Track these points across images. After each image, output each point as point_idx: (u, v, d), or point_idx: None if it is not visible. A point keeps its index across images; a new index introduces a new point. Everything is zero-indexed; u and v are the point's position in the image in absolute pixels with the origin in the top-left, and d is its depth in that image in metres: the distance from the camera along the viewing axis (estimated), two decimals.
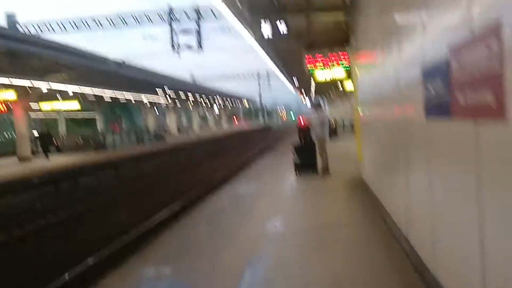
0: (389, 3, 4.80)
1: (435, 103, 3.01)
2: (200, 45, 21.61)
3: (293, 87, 44.03)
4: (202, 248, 5.62)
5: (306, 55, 12.79)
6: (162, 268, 5.01)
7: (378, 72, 5.80)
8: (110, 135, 28.72)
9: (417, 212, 4.01)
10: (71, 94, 26.25)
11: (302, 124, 11.52)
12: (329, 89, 44.24)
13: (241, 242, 5.78)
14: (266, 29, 11.29)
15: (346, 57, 12.55)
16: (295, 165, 11.14)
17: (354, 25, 8.53)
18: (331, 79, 15.99)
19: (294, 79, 33.33)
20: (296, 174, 11.13)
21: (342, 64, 12.71)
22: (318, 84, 36.24)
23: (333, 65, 12.86)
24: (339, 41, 12.95)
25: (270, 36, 11.41)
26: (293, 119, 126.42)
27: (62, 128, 43.79)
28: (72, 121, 61.17)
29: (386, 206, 5.87)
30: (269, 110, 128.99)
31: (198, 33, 21.39)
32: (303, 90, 52.15)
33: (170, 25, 21.47)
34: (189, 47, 21.68)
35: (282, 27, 11.43)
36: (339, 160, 12.18)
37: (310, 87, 41.60)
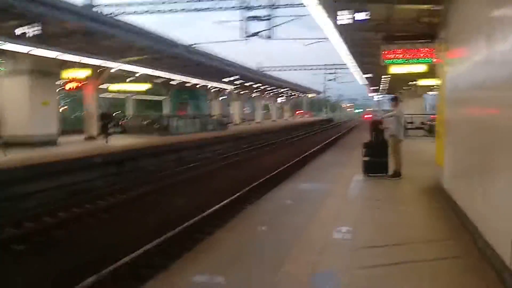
0: None
1: None
2: (270, 33, 21.10)
3: (363, 81, 42.61)
4: None
5: (383, 49, 11.92)
6: None
7: (484, 67, 4.97)
8: (174, 119, 28.91)
9: None
10: (138, 76, 26.70)
11: (374, 119, 10.70)
12: (400, 86, 42.42)
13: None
14: (346, 17, 10.57)
15: (428, 53, 11.55)
16: (364, 163, 10.38)
17: (447, 17, 7.60)
18: (408, 73, 15.00)
19: (365, 73, 32.13)
20: (364, 173, 10.39)
21: (423, 60, 11.71)
22: (391, 79, 34.79)
23: (412, 60, 11.89)
24: (422, 35, 11.94)
25: (350, 21, 10.68)
26: (358, 113, 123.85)
27: (129, 110, 45.01)
28: (140, 103, 63.19)
29: (480, 226, 5.02)
30: (334, 103, 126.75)
31: (269, 20, 20.87)
32: (372, 85, 50.51)
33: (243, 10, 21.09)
34: (259, 35, 21.21)
35: (362, 15, 10.64)
36: (412, 162, 11.28)
37: (380, 82, 40.03)
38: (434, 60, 11.37)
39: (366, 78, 37.97)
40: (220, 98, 52.30)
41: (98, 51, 20.24)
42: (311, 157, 18.45)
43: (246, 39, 21.46)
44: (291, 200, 7.88)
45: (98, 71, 22.49)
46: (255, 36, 21.40)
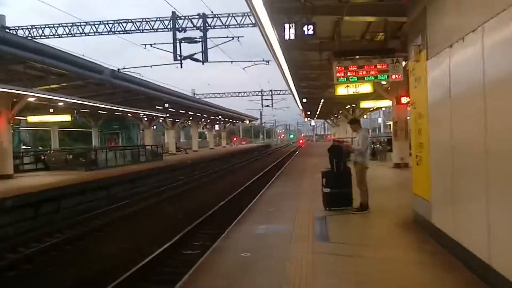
0: None
1: None
2: (205, 56, 19.56)
3: (300, 106, 42.12)
4: None
5: (336, 65, 10.73)
6: None
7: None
8: (103, 152, 26.36)
9: None
10: (62, 106, 24.13)
11: (333, 143, 9.34)
12: (337, 109, 42.38)
13: None
14: (291, 31, 9.21)
15: (383, 69, 10.53)
16: (325, 195, 8.93)
17: (425, 22, 6.37)
18: (355, 94, 14.01)
19: (303, 97, 31.47)
20: (326, 207, 8.94)
21: (380, 76, 10.64)
22: (326, 103, 34.40)
23: (368, 78, 10.79)
24: (376, 50, 10.95)
25: (292, 37, 9.30)
26: (292, 138, 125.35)
27: (55, 143, 41.23)
28: (68, 135, 59.10)
29: None
30: (269, 129, 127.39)
31: (204, 42, 19.38)
32: (308, 110, 50.39)
33: (174, 33, 19.46)
34: (192, 58, 19.62)
35: (308, 29, 9.31)
36: (372, 190, 9.96)
37: (318, 106, 39.68)
38: (395, 75, 10.37)
39: (303, 103, 37.43)
40: (153, 127, 50.05)
41: (9, 77, 17.78)
42: (257, 187, 16.91)
43: (179, 63, 19.73)
44: (248, 252, 6.16)
45: (12, 100, 19.79)
46: (189, 60, 19.74)
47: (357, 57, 10.77)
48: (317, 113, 50.57)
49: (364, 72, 10.57)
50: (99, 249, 10.01)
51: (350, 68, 10.50)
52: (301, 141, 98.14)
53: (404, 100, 17.47)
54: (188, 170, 29.45)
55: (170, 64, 20.54)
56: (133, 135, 48.62)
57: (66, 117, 25.23)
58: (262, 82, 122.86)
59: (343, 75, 10.64)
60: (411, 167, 17.77)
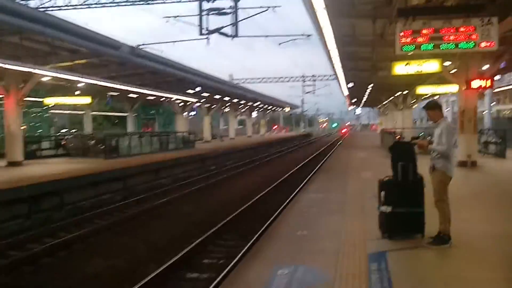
0: None
1: None
2: (235, 30, 16.77)
3: (345, 92, 38.64)
4: None
5: (401, 28, 7.70)
6: None
7: None
8: (125, 138, 24.12)
9: None
10: (83, 87, 22.08)
11: (398, 140, 6.34)
12: (386, 96, 38.56)
13: None
14: None
15: (471, 33, 7.38)
16: (383, 216, 5.98)
17: None
18: (416, 73, 10.99)
19: (349, 81, 28.19)
20: (384, 233, 6.02)
21: (464, 44, 7.51)
22: (375, 88, 30.91)
23: (447, 45, 7.68)
24: (462, 6, 7.75)
25: None
26: (335, 127, 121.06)
27: (88, 128, 39.61)
28: (103, 120, 58.01)
29: None
30: (311, 117, 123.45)
31: (234, 13, 16.55)
32: (353, 97, 46.76)
33: (200, 2, 16.74)
34: (221, 32, 16.84)
35: None
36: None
37: (365, 92, 36.10)
38: (486, 42, 7.21)
39: (348, 88, 34.04)
40: (190, 114, 47.90)
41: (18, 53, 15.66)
42: (289, 189, 14.13)
43: (206, 38, 17.01)
44: None
45: (21, 79, 17.74)
46: (217, 34, 16.97)
47: (431, 16, 7.62)
48: (364, 100, 46.92)
49: (441, 38, 7.43)
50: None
51: (422, 32, 7.41)
52: (344, 130, 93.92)
53: (475, 84, 14.07)
54: (219, 160, 26.94)
55: (195, 39, 17.85)
56: (170, 121, 46.67)
57: (86, 99, 23.11)
58: (304, 66, 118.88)
59: (410, 41, 7.55)
60: (479, 166, 14.78)
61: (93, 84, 21.91)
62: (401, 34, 7.52)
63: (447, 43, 7.44)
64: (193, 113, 51.76)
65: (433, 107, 5.82)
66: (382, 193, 5.96)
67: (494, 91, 31.63)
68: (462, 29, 7.32)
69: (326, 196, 9.90)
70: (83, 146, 23.99)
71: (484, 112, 31.33)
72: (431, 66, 10.78)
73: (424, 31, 7.39)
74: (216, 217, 10.77)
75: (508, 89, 36.24)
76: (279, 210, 10.20)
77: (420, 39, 7.47)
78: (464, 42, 7.37)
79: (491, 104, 32.43)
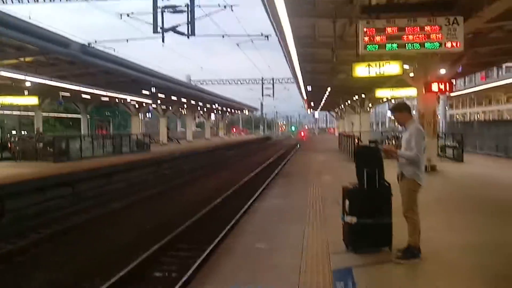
0: None
1: None
2: (191, 28, 16.05)
3: (303, 94, 38.50)
4: None
5: (364, 26, 7.32)
6: None
7: None
8: (76, 141, 22.89)
9: None
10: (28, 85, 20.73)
11: (361, 144, 5.90)
12: (344, 99, 38.68)
13: None
14: None
15: (437, 32, 7.07)
16: (348, 227, 5.51)
17: None
18: (378, 75, 10.73)
19: (308, 84, 27.97)
20: (348, 247, 5.55)
21: (429, 44, 7.19)
22: (333, 91, 30.88)
23: (412, 45, 7.34)
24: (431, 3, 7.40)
25: None
26: (293, 131, 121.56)
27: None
28: (56, 121, 55.62)
29: None
30: (270, 120, 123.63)
31: (191, 12, 15.85)
32: (312, 100, 46.78)
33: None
34: (176, 31, 16.09)
35: None
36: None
37: (324, 95, 36.07)
38: (452, 43, 6.90)
39: (307, 91, 33.90)
40: (146, 115, 46.67)
41: None
42: (248, 193, 13.58)
43: (161, 36, 16.18)
44: None
45: None
46: (173, 33, 16.20)
47: (395, 14, 7.28)
48: (322, 104, 47.11)
49: (406, 38, 7.08)
50: None
51: (386, 31, 7.04)
52: (302, 133, 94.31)
53: (435, 87, 13.99)
54: (175, 164, 26.05)
55: (149, 38, 17.02)
56: (127, 123, 45.23)
57: (33, 100, 21.74)
58: (263, 69, 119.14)
59: (372, 40, 7.16)
60: (439, 171, 14.72)
61: (42, 83, 20.72)
62: (365, 31, 7.14)
63: (412, 43, 7.11)
64: (148, 115, 50.49)
65: (401, 108, 5.40)
66: (346, 202, 5.49)
67: (449, 95, 32.31)
68: (427, 28, 7.02)
69: (286, 202, 9.41)
70: (31, 149, 22.64)
71: (438, 117, 31.94)
72: (392, 68, 10.55)
73: (389, 29, 7.04)
74: (170, 225, 10.09)
75: (461, 94, 37.19)
76: (237, 217, 9.65)
77: (383, 38, 7.11)
78: (429, 43, 7.07)
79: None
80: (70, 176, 16.46)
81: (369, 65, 10.49)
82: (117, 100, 32.53)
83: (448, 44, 7.04)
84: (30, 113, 41.04)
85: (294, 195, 10.52)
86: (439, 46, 7.14)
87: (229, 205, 12.57)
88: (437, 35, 7.03)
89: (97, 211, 12.76)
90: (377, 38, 7.14)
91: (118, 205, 13.66)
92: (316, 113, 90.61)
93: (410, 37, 7.02)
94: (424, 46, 7.15)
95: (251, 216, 8.15)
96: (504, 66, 38.09)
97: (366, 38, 7.12)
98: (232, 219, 9.70)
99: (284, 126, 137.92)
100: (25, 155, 21.44)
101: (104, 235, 10.07)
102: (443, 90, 13.59)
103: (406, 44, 7.14)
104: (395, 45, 7.15)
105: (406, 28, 7.04)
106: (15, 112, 44.18)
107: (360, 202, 5.41)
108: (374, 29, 7.14)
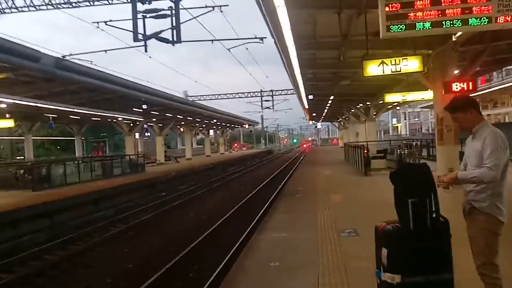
0: None
1: None
2: (177, 34, 14.31)
3: (305, 103, 36.58)
4: None
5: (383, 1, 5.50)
6: None
7: None
8: (58, 166, 21.07)
9: None
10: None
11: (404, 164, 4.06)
12: (347, 108, 36.70)
13: None
14: None
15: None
16: (383, 285, 3.59)
17: None
18: (394, 73, 8.96)
19: (307, 93, 26.14)
20: None
21: (474, 19, 5.35)
22: (336, 100, 29.05)
23: (450, 22, 5.50)
24: None
25: None
26: (295, 143, 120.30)
27: (29, 154, 35.81)
28: (53, 145, 53.93)
29: None
30: (271, 133, 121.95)
31: (175, 16, 14.13)
32: (313, 111, 44.95)
33: (133, 4, 14.22)
34: (160, 37, 14.33)
35: None
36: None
37: (326, 104, 34.19)
38: (505, 17, 5.06)
39: (308, 100, 32.06)
40: (144, 134, 44.83)
41: None
42: (246, 224, 11.71)
43: (143, 45, 14.43)
44: None
45: None
46: (154, 40, 14.42)
47: None
48: (324, 113, 45.28)
49: (443, 13, 5.23)
50: None
51: (416, 4, 5.17)
52: (304, 145, 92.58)
53: (456, 87, 12.15)
54: (171, 185, 24.16)
55: (128, 48, 15.28)
56: (123, 143, 43.53)
57: (8, 123, 19.97)
58: (262, 82, 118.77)
59: (397, 18, 5.31)
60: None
61: (20, 104, 19.01)
62: (386, 8, 5.31)
63: (451, 20, 5.25)
64: (147, 134, 48.75)
65: (465, 106, 3.52)
66: (384, 251, 3.57)
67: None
68: None
69: (291, 236, 7.45)
70: (11, 176, 20.85)
71: None
72: (410, 64, 8.77)
73: (419, 2, 5.20)
74: (153, 263, 8.31)
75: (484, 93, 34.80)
76: (225, 261, 7.77)
77: (412, 14, 5.26)
78: (475, 18, 5.23)
79: None
80: (47, 206, 14.69)
81: (382, 63, 8.68)
82: (108, 119, 30.86)
83: (501, 19, 5.20)
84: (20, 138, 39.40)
85: (300, 223, 8.60)
86: (487, 21, 5.30)
87: (220, 239, 10.69)
88: (485, 7, 5.21)
89: (74, 247, 11.04)
90: (402, 15, 5.29)
91: (102, 236, 11.93)
92: (319, 124, 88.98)
93: (448, 11, 5.19)
94: (468, 23, 5.31)
95: (243, 262, 6.19)
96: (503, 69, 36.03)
97: (390, 16, 5.30)
98: (219, 265, 7.78)
99: (286, 139, 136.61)
100: (5, 184, 19.69)
101: (82, 276, 8.29)
102: (467, 89, 11.77)
103: (444, 22, 5.28)
104: (428, 24, 5.30)
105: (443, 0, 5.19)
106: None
107: (405, 251, 3.49)
108: (399, 4, 5.31)
